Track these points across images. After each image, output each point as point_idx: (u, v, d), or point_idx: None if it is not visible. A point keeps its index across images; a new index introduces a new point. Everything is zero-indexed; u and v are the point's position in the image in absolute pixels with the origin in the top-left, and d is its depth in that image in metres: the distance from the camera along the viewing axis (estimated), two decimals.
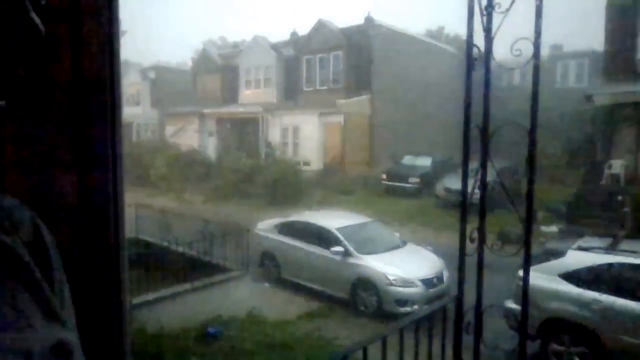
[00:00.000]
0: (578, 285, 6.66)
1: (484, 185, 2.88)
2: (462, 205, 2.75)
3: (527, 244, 2.79)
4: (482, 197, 2.85)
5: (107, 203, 0.99)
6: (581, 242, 7.63)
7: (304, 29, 24.01)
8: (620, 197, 13.53)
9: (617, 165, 15.06)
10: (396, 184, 18.75)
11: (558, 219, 14.73)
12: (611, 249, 7.13)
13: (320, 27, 23.34)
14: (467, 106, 2.89)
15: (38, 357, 0.45)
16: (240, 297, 9.03)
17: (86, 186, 0.97)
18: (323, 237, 9.58)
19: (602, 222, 12.79)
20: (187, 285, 9.14)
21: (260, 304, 8.17)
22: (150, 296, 8.53)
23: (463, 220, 2.78)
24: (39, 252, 0.52)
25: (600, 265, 6.72)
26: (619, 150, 15.49)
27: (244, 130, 24.90)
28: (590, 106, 16.41)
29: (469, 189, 2.86)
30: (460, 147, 2.89)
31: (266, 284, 10.00)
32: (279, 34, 47.16)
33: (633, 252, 6.80)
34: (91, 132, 0.95)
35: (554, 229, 14.00)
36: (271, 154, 21.80)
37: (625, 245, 7.41)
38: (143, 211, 12.69)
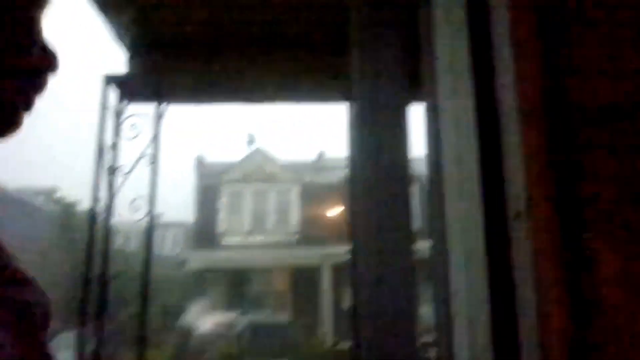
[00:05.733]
0: None
1: (102, 334, 2.96)
2: (79, 349, 2.73)
3: None
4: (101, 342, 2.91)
5: None
6: None
7: None
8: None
9: (205, 325, 16.82)
10: None
11: None
12: None
13: None
14: (89, 258, 3.05)
15: None
16: None
17: None
18: None
19: None
20: None
21: None
22: None
23: None
24: None
25: None
26: (207, 310, 17.52)
27: None
28: (184, 271, 18.40)
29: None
30: None
31: None
32: None
33: None
34: None
35: None
36: None
37: None
38: None
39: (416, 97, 2.78)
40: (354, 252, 2.63)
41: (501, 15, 0.88)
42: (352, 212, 2.98)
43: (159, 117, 3.48)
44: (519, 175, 0.76)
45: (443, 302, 0.95)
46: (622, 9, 0.80)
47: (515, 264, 0.77)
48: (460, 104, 0.95)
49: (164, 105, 3.55)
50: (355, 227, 2.69)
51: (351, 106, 2.98)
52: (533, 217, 0.72)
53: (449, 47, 0.99)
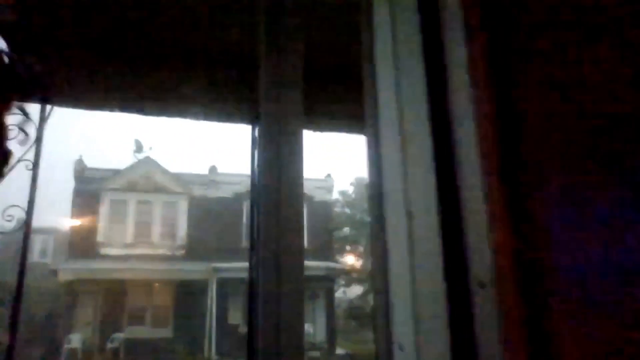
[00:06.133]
0: None
1: None
2: None
3: None
4: None
5: None
6: None
7: None
8: None
9: (76, 339, 15.54)
10: None
11: None
12: None
13: None
14: None
15: None
16: None
17: None
18: None
19: None
20: None
21: None
22: None
23: None
24: None
25: None
26: (79, 323, 16.18)
27: None
28: (55, 281, 16.82)
29: None
30: None
31: None
32: None
33: None
34: None
35: None
36: None
37: None
38: None
39: (310, 121, 2.93)
40: (253, 268, 2.68)
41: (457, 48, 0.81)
42: (252, 228, 3.01)
43: (42, 119, 3.28)
44: (483, 242, 0.69)
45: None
46: None
47: (478, 331, 0.72)
48: (414, 147, 0.85)
49: (48, 107, 3.36)
50: (255, 243, 2.74)
51: (255, 127, 3.00)
52: (498, 289, 0.67)
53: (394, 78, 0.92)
